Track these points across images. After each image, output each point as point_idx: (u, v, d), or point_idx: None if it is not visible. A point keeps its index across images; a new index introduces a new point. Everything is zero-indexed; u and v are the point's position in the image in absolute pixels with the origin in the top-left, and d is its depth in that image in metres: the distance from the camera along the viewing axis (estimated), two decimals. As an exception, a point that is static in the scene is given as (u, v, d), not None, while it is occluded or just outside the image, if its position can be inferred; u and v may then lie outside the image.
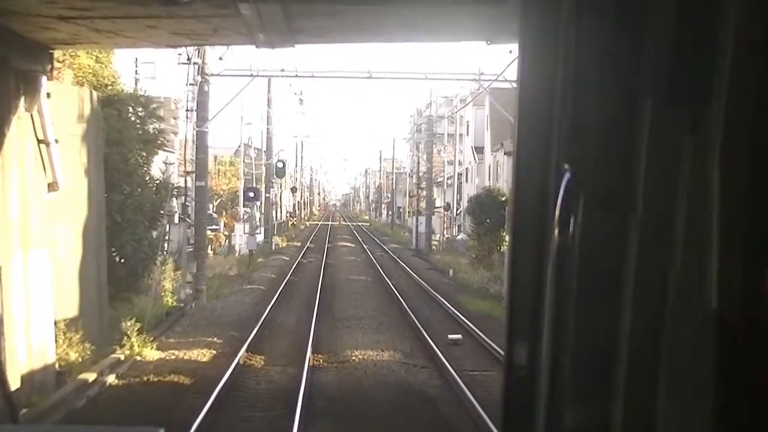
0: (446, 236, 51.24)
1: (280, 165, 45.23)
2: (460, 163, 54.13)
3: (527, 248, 1.15)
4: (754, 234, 1.02)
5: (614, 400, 1.08)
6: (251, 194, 37.09)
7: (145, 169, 20.09)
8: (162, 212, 19.72)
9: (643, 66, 1.06)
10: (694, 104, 1.05)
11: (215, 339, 16.74)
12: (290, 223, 75.55)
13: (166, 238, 19.92)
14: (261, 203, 45.29)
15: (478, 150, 50.34)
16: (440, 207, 52.58)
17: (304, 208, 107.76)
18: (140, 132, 19.27)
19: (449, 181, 55.19)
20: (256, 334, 17.24)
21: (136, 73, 39.97)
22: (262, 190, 45.24)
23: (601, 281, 1.09)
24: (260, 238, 45.47)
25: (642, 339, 1.07)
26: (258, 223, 46.99)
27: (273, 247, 45.61)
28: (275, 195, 69.26)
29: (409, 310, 21.21)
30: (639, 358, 1.07)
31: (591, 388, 1.11)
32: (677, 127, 1.05)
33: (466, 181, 54.20)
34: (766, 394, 1.01)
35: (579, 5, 1.09)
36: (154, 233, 20.33)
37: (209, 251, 38.03)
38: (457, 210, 53.01)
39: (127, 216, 18.66)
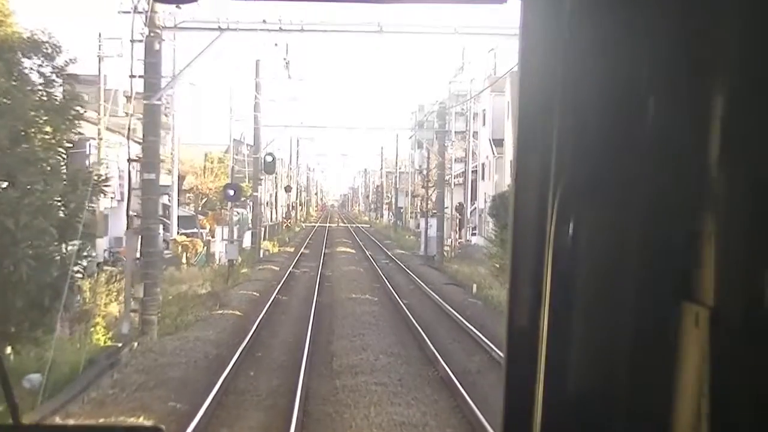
0: (458, 240, 45.47)
1: (269, 159, 38.91)
2: (474, 157, 48.13)
3: (527, 248, 1.12)
4: (754, 234, 1.02)
5: (614, 400, 1.08)
6: (231, 192, 30.62)
7: (59, 152, 13.84)
8: (80, 217, 13.44)
9: (644, 65, 1.06)
10: (695, 103, 1.04)
11: (142, 420, 10.46)
12: (284, 225, 69.40)
13: (80, 252, 13.62)
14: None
15: (497, 143, 44.30)
16: (448, 207, 46.53)
17: (301, 209, 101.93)
18: (45, 98, 13.01)
19: (457, 180, 49.47)
20: (210, 405, 11.06)
21: (99, 49, 34.31)
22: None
23: (601, 281, 1.08)
24: (248, 243, 39.61)
25: (642, 339, 1.06)
26: (249, 225, 41.44)
27: (261, 254, 39.39)
28: (270, 195, 63.64)
29: (437, 355, 14.97)
30: (639, 358, 1.07)
31: (591, 388, 1.09)
32: (678, 126, 1.05)
33: (482, 178, 48.25)
34: (765, 394, 1.00)
35: (580, 3, 1.08)
36: (72, 245, 14.09)
37: (183, 261, 31.96)
38: (470, 211, 47.36)
39: (23, 221, 12.51)
